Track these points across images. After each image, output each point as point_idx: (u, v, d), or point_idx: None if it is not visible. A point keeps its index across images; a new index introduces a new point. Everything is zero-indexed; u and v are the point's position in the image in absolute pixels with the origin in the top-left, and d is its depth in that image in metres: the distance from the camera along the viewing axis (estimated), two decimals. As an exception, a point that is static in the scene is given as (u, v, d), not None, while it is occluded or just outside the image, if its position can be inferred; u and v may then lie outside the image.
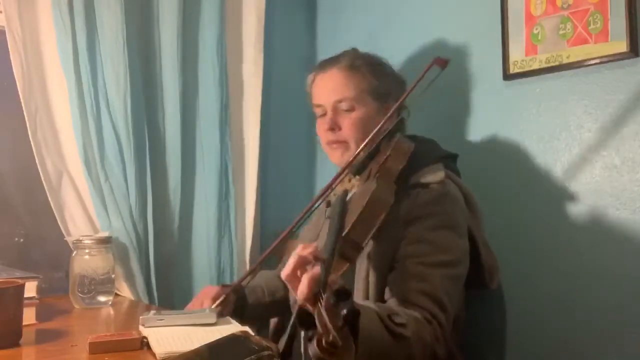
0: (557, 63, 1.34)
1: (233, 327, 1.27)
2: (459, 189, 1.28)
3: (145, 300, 1.72)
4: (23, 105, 1.65)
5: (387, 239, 1.17)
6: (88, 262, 1.60)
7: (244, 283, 1.41)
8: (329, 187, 1.25)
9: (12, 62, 1.63)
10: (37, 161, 1.66)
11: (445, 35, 1.60)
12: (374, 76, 1.37)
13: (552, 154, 1.36)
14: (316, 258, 0.96)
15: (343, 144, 1.35)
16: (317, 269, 0.90)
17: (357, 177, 1.29)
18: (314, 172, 2.13)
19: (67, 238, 1.69)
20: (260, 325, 1.52)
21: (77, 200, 1.73)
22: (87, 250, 1.61)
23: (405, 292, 1.10)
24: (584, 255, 1.29)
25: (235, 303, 1.38)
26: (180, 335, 1.20)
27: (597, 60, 1.26)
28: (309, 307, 0.87)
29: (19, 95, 1.64)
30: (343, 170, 1.26)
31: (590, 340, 1.28)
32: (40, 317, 1.40)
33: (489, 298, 1.42)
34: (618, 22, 1.22)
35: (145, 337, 1.19)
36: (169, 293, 1.82)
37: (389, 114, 1.29)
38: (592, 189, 1.28)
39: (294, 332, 0.94)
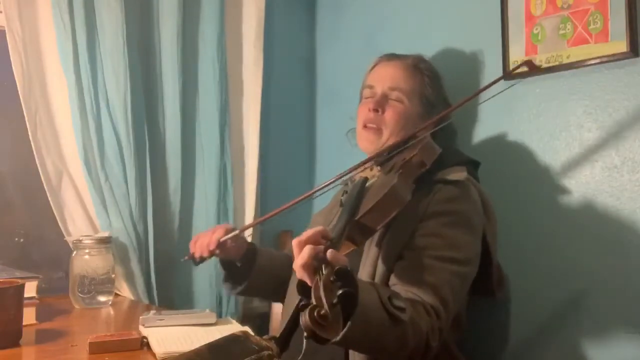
0: (557, 63, 1.34)
1: (233, 327, 1.28)
2: (478, 193, 1.29)
3: (145, 300, 1.72)
4: (23, 105, 1.65)
5: (401, 229, 1.19)
6: (88, 262, 1.61)
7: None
8: (351, 171, 1.26)
9: (12, 62, 1.63)
10: (37, 161, 1.66)
11: (445, 35, 1.60)
12: (430, 85, 1.42)
13: (552, 154, 1.36)
14: (325, 237, 0.99)
15: (378, 130, 1.37)
16: (321, 247, 0.94)
17: (379, 167, 1.31)
18: (314, 172, 2.13)
19: (67, 238, 1.69)
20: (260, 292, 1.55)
21: (77, 200, 1.73)
22: (87, 250, 1.62)
23: (411, 281, 1.11)
24: (582, 255, 1.29)
25: (248, 247, 1.43)
26: (180, 335, 1.20)
27: (597, 60, 1.26)
28: (307, 278, 0.92)
29: (19, 95, 1.64)
30: (368, 160, 1.28)
31: (591, 340, 1.28)
32: (40, 317, 1.40)
33: (493, 302, 1.42)
34: (618, 22, 1.22)
35: (145, 337, 1.19)
36: (169, 293, 1.82)
37: (433, 120, 1.32)
38: (592, 189, 1.28)
39: (295, 325, 0.96)
